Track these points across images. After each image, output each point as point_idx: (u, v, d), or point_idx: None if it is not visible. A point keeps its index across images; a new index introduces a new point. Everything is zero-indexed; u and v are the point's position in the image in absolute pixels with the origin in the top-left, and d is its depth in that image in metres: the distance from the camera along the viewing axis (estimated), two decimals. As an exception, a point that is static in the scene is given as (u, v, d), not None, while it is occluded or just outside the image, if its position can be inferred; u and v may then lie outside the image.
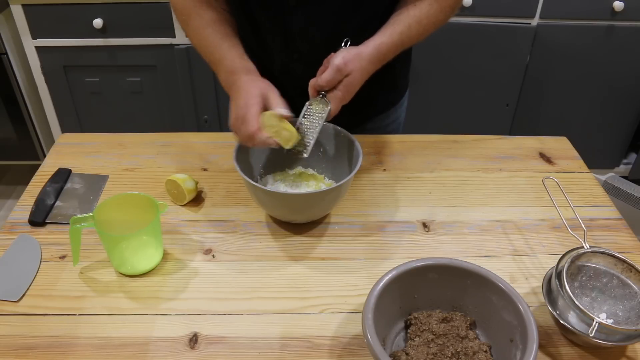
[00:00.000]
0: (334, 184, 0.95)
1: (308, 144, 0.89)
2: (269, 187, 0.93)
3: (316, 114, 0.90)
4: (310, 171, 1.00)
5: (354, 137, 0.93)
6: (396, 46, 0.93)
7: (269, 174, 0.99)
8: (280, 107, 0.86)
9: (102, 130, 1.16)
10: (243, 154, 0.91)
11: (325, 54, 0.92)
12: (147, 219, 0.82)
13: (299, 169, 1.00)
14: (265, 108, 0.86)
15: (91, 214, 0.80)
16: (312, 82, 0.90)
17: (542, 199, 1.00)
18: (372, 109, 1.14)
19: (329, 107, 0.88)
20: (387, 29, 0.93)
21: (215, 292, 0.81)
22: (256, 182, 0.91)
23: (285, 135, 0.86)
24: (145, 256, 0.84)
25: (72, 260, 0.83)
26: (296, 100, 0.94)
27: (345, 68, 0.87)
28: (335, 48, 0.92)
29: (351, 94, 0.90)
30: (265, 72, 0.99)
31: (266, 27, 1.02)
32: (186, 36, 0.96)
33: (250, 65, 0.92)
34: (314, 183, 0.97)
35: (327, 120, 0.90)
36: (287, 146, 0.87)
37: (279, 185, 0.96)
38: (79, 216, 0.80)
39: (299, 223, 0.93)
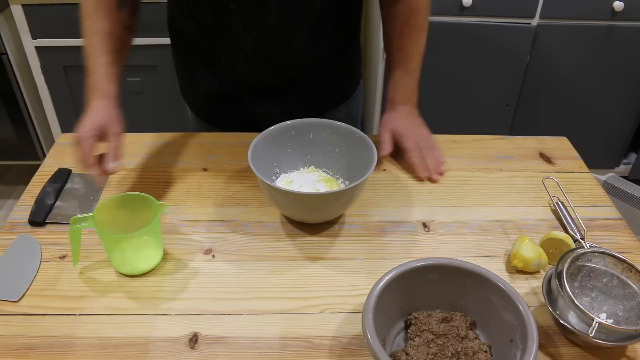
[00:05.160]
0: (347, 185, 0.95)
1: None
2: (285, 187, 0.93)
3: None
4: (324, 172, 1.00)
5: (369, 138, 0.93)
6: (408, 88, 1.09)
7: (284, 173, 0.99)
8: (111, 144, 0.87)
9: (102, 130, 1.16)
10: (257, 155, 0.90)
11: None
12: (147, 219, 0.82)
13: (312, 168, 1.00)
14: (101, 138, 0.87)
15: (91, 214, 0.80)
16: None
17: (542, 199, 1.00)
18: (323, 104, 1.16)
19: None
20: (392, 79, 1.08)
21: (215, 292, 0.81)
22: (271, 182, 0.91)
23: None
24: (146, 256, 0.84)
25: (72, 260, 0.83)
26: (244, 99, 0.98)
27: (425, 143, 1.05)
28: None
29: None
30: (213, 69, 1.07)
31: (209, 29, 1.04)
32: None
33: (112, 90, 0.92)
34: (328, 184, 0.97)
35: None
36: None
37: (293, 186, 0.96)
38: (79, 216, 0.80)
39: (309, 223, 0.93)
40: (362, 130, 0.97)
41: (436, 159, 1.04)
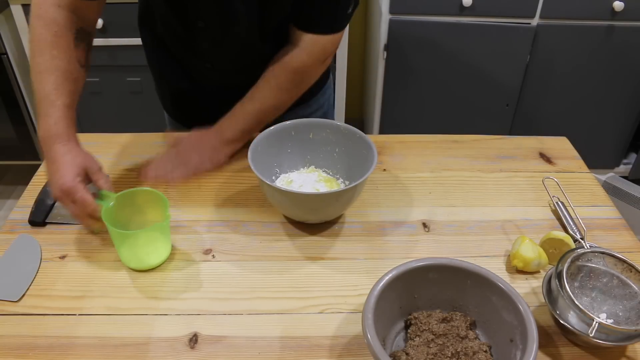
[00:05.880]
0: (347, 185, 0.95)
1: None
2: (285, 187, 0.93)
3: None
4: (324, 172, 1.00)
5: (369, 137, 0.93)
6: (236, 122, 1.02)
7: (284, 173, 0.99)
8: (102, 181, 0.84)
9: (102, 130, 1.16)
10: (257, 155, 0.91)
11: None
12: (154, 213, 0.82)
13: (312, 168, 1.00)
14: (88, 180, 0.84)
15: (115, 194, 0.82)
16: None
17: (542, 199, 1.00)
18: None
19: None
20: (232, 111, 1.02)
21: (215, 292, 0.81)
22: (271, 182, 0.91)
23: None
24: (155, 251, 0.84)
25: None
26: (218, 113, 0.98)
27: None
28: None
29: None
30: (183, 67, 1.07)
31: (179, 39, 1.04)
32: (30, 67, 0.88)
33: (72, 132, 0.87)
34: (328, 184, 0.97)
35: None
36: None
37: (293, 186, 0.96)
38: (105, 192, 0.81)
39: (309, 223, 0.93)
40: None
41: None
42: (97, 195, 0.83)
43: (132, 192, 0.85)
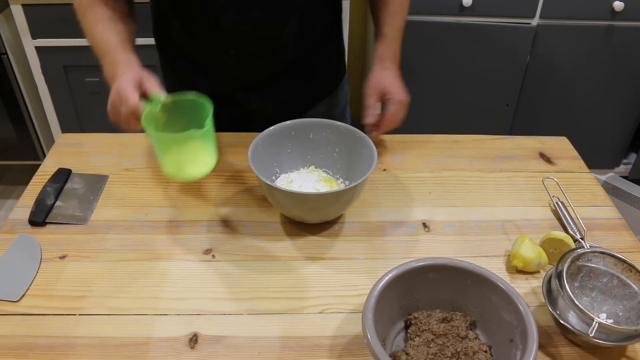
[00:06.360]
0: (347, 185, 0.95)
1: None
2: (285, 187, 0.93)
3: None
4: (324, 172, 1.00)
5: (369, 137, 0.93)
6: (394, 44, 1.08)
7: (284, 173, 0.99)
8: (156, 89, 0.84)
9: (102, 130, 1.16)
10: (257, 155, 0.91)
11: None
12: (197, 123, 0.81)
13: (312, 168, 1.00)
14: (143, 92, 0.84)
15: (164, 98, 0.81)
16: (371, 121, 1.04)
17: (542, 199, 1.00)
18: (313, 96, 1.17)
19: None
20: (378, 36, 1.09)
21: (215, 292, 0.81)
22: (271, 182, 0.91)
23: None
24: (197, 160, 0.83)
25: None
26: (236, 97, 0.98)
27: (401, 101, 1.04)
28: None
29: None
30: (203, 71, 1.06)
31: (198, 28, 1.03)
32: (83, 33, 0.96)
33: (133, 58, 0.91)
34: (328, 184, 0.97)
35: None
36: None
37: (293, 186, 0.96)
38: (154, 94, 0.81)
39: (309, 223, 0.93)
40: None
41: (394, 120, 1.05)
42: (147, 99, 0.82)
43: (180, 99, 0.83)
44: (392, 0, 1.08)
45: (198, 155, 0.83)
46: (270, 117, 0.98)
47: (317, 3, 1.06)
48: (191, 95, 0.84)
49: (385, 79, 1.05)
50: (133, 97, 0.81)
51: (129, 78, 0.83)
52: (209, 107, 0.81)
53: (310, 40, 1.09)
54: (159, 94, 0.83)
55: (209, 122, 0.80)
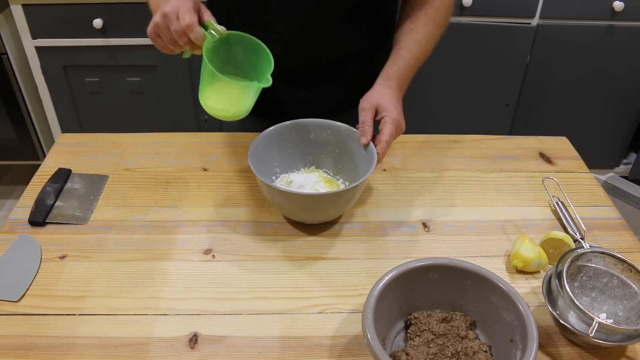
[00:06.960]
0: (347, 185, 0.95)
1: None
2: (284, 188, 0.93)
3: None
4: (324, 173, 1.00)
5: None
6: (406, 69, 1.00)
7: (284, 173, 0.99)
8: (212, 18, 0.83)
9: (102, 130, 1.16)
10: (257, 155, 0.90)
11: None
12: (250, 71, 0.80)
13: (313, 168, 1.00)
14: (199, 17, 0.82)
15: (222, 31, 0.80)
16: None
17: (542, 199, 1.00)
18: (348, 101, 1.12)
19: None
20: (392, 57, 1.00)
21: (215, 292, 0.81)
22: (271, 182, 0.91)
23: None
24: (236, 106, 0.83)
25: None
26: (273, 84, 0.96)
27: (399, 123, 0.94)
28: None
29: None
30: None
31: (241, 10, 1.02)
32: None
33: None
34: (328, 184, 0.97)
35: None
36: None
37: (293, 186, 0.96)
38: (210, 22, 0.80)
39: (309, 223, 0.93)
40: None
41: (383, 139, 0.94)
42: (203, 25, 0.81)
43: (240, 36, 0.82)
44: (419, 29, 1.02)
45: (242, 101, 0.82)
46: (299, 110, 0.97)
47: (368, 11, 1.03)
48: (252, 37, 0.83)
49: (385, 97, 0.95)
50: (191, 17, 0.79)
51: (187, 1, 0.81)
52: (269, 59, 0.79)
53: (355, 42, 1.07)
54: (215, 25, 0.81)
55: (269, 78, 0.79)
